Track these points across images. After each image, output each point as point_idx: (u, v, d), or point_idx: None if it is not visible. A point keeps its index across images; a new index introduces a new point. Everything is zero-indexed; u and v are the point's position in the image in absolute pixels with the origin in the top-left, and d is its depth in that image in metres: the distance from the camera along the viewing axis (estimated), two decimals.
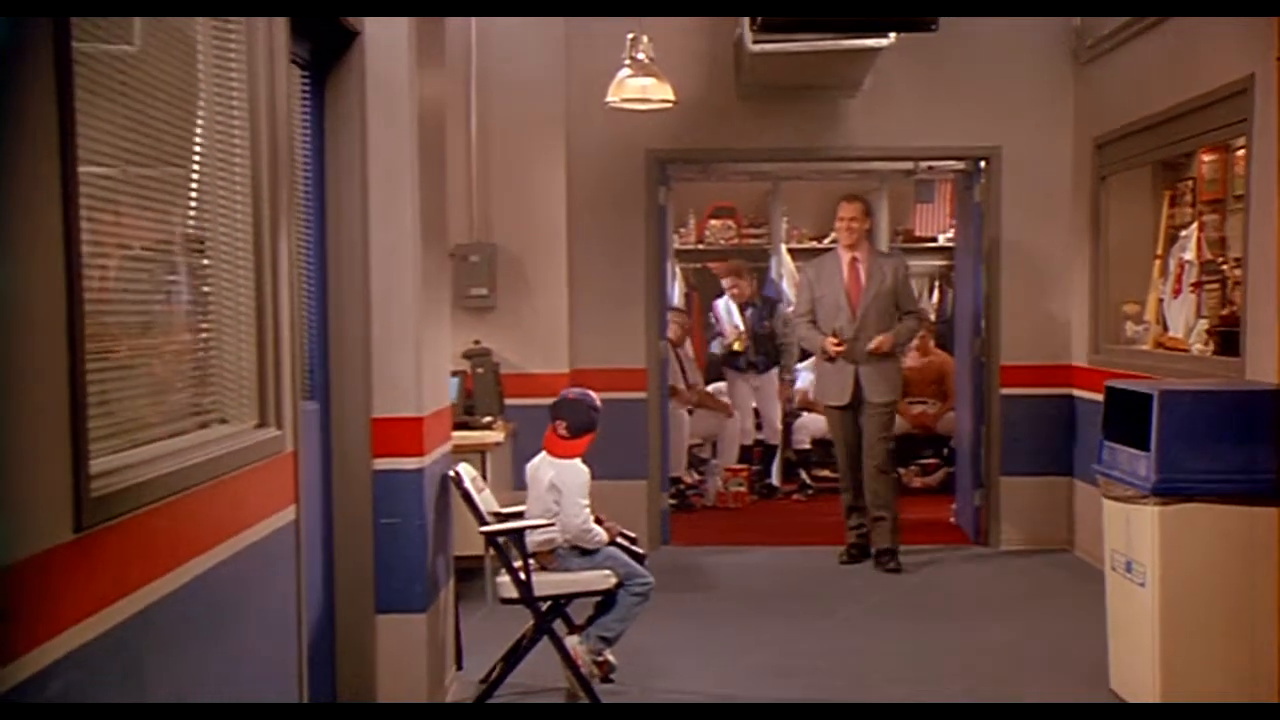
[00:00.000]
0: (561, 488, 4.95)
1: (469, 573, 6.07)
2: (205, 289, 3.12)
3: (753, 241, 10.98)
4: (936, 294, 10.97)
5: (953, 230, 9.58)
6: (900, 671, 5.37)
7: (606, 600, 4.98)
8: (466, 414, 6.65)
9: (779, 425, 9.51)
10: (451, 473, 4.95)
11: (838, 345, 7.04)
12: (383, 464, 4.43)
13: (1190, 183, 6.89)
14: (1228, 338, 5.72)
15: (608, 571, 4.92)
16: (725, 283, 9.58)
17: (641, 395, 7.66)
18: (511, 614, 5.11)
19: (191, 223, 3.05)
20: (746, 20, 6.17)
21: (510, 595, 4.86)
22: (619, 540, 5.06)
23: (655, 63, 6.38)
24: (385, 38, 4.40)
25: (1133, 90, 6.57)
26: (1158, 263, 6.90)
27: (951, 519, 8.37)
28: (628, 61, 6.36)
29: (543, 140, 7.34)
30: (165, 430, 2.78)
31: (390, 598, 4.44)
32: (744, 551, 7.71)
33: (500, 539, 4.87)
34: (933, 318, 10.43)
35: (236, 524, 2.99)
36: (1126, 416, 4.83)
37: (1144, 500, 4.60)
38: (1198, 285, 6.49)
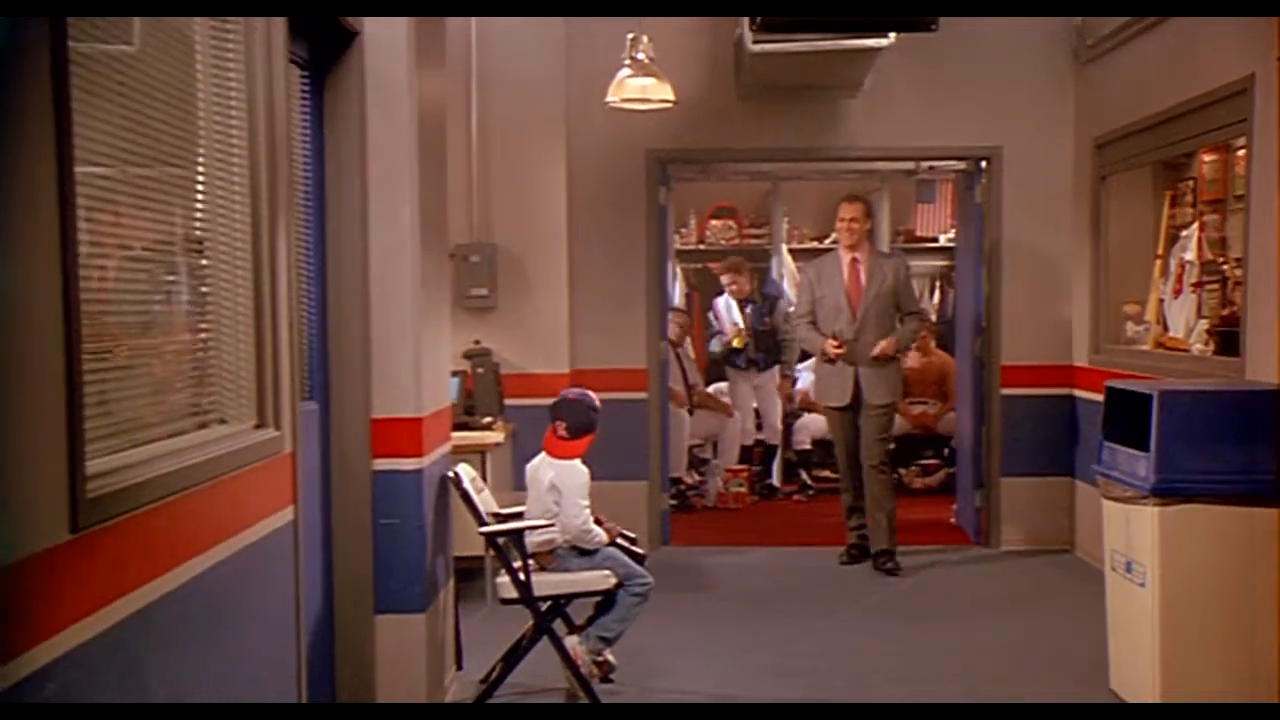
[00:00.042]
0: (561, 488, 4.95)
1: (469, 573, 6.07)
2: (204, 289, 3.12)
3: (754, 242, 10.98)
4: (937, 294, 10.97)
5: (954, 230, 9.57)
6: (900, 671, 5.37)
7: (606, 600, 4.98)
8: (467, 414, 6.65)
9: (779, 425, 9.51)
10: (451, 473, 4.95)
11: (837, 348, 7.03)
12: (382, 464, 4.43)
13: (1191, 183, 6.88)
14: (1228, 338, 5.72)
15: (607, 572, 4.92)
16: (724, 279, 9.58)
17: (642, 396, 7.66)
18: (511, 614, 5.11)
19: (190, 223, 3.06)
20: (746, 20, 6.17)
21: (510, 595, 4.86)
22: (619, 541, 5.06)
23: (655, 63, 6.38)
24: (384, 38, 4.40)
25: (1133, 90, 6.57)
26: (1158, 263, 6.89)
27: (952, 519, 8.36)
28: (628, 61, 6.36)
29: (543, 140, 7.34)
30: (164, 430, 2.78)
31: (389, 598, 4.44)
32: (744, 552, 7.71)
33: (500, 539, 4.87)
34: (933, 318, 10.43)
35: (235, 524, 2.99)
36: (1126, 417, 4.83)
37: (1144, 500, 4.60)
38: (1198, 285, 6.48)
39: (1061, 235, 7.56)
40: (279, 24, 3.38)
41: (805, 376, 9.37)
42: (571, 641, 4.90)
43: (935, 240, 10.91)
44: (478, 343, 7.12)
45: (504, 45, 7.18)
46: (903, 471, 9.43)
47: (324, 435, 4.36)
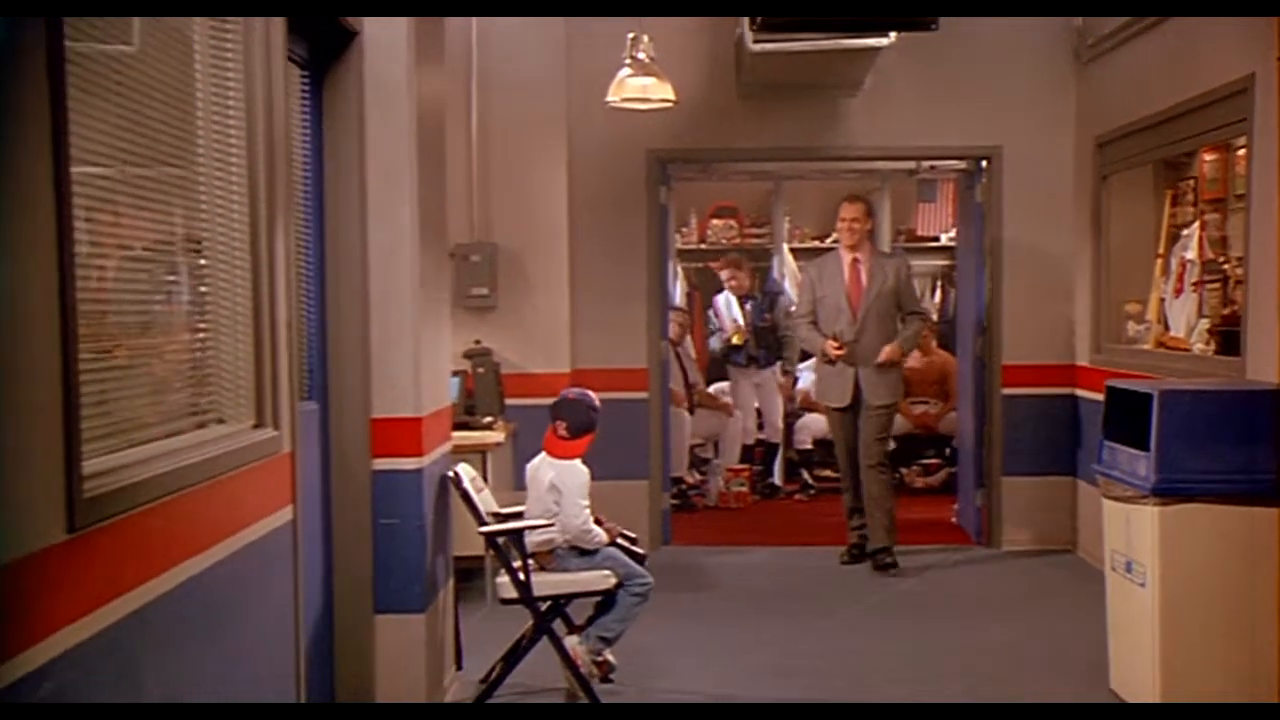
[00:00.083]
0: (561, 488, 4.94)
1: (469, 573, 6.07)
2: (202, 289, 3.12)
3: (755, 241, 10.97)
4: (939, 294, 10.96)
5: (955, 230, 9.57)
6: (900, 671, 5.36)
7: (606, 600, 4.98)
8: (467, 414, 6.65)
9: (780, 424, 9.50)
10: (451, 473, 4.94)
11: (838, 349, 7.02)
12: (382, 464, 4.43)
13: (1192, 182, 6.87)
14: (1229, 337, 5.71)
15: (607, 572, 4.91)
16: (723, 275, 9.58)
17: (643, 395, 7.66)
18: (511, 614, 5.11)
19: (188, 223, 3.06)
20: (747, 20, 6.17)
21: (509, 595, 4.86)
22: (619, 541, 5.06)
23: (655, 62, 6.38)
24: (384, 37, 4.40)
25: (1134, 89, 6.56)
26: (1159, 262, 6.88)
27: (953, 519, 8.36)
28: (628, 61, 6.36)
29: (543, 140, 7.34)
30: (162, 430, 2.78)
31: (389, 598, 4.44)
32: (745, 551, 7.70)
33: (499, 539, 4.87)
34: (935, 317, 10.42)
35: (233, 524, 2.99)
36: (1127, 416, 4.82)
37: (1144, 500, 4.59)
38: (1199, 284, 6.47)
39: (1062, 235, 7.56)
40: (278, 23, 3.38)
41: (806, 376, 9.37)
42: (571, 641, 4.89)
43: (936, 240, 10.90)
44: (478, 342, 7.12)
45: (504, 45, 7.19)
46: (904, 471, 9.44)
47: (324, 435, 4.36)
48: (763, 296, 9.44)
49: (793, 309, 8.63)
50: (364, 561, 4.40)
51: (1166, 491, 4.53)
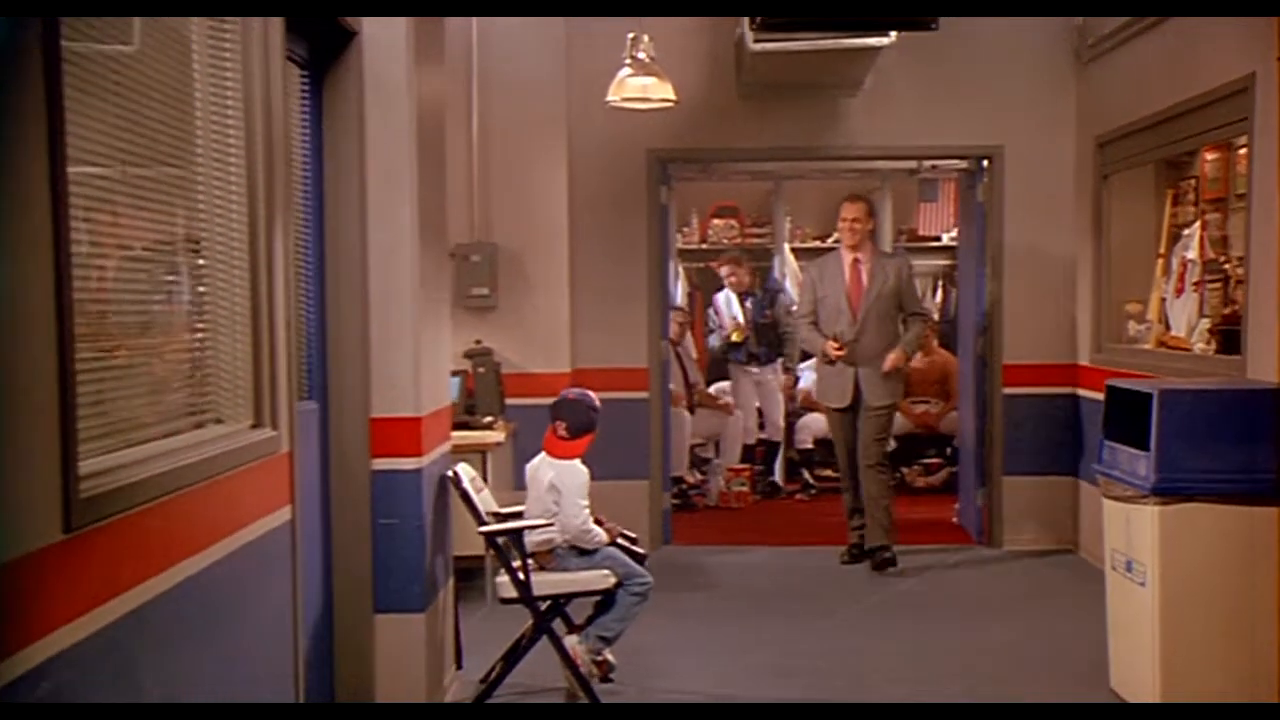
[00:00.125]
0: (561, 488, 4.94)
1: (469, 573, 6.07)
2: (201, 289, 3.12)
3: (756, 241, 10.97)
4: (940, 293, 10.95)
5: (956, 230, 9.56)
6: (900, 671, 5.36)
7: (606, 600, 4.98)
8: (468, 414, 6.66)
9: (782, 422, 9.50)
10: (450, 473, 4.94)
11: (838, 350, 7.01)
12: (381, 464, 4.43)
13: (1193, 181, 6.87)
14: (1230, 337, 5.71)
15: (606, 571, 4.91)
16: (723, 271, 9.58)
17: (643, 395, 7.66)
18: (511, 614, 5.11)
19: (187, 223, 3.06)
20: (747, 19, 6.16)
21: (509, 595, 4.86)
22: (619, 540, 5.06)
23: (656, 62, 6.38)
24: (383, 37, 4.40)
25: (1134, 89, 6.56)
26: (1160, 261, 6.88)
27: (954, 519, 8.35)
28: (628, 61, 6.36)
29: (544, 140, 7.34)
30: (160, 430, 2.78)
31: (389, 598, 4.44)
32: (745, 551, 7.70)
33: (499, 539, 4.87)
34: (936, 317, 10.41)
35: (231, 524, 2.99)
36: (1127, 416, 4.82)
37: (1144, 500, 4.59)
38: (1200, 284, 6.46)
39: (1063, 234, 7.55)
40: (276, 23, 3.38)
41: (807, 376, 9.37)
42: (571, 641, 4.89)
43: (938, 239, 10.90)
44: (479, 342, 7.12)
45: (504, 45, 7.19)
46: (905, 471, 9.44)
47: (323, 435, 4.36)
48: (763, 293, 9.43)
49: (793, 308, 8.64)
50: (363, 561, 4.40)
51: (1166, 491, 4.53)
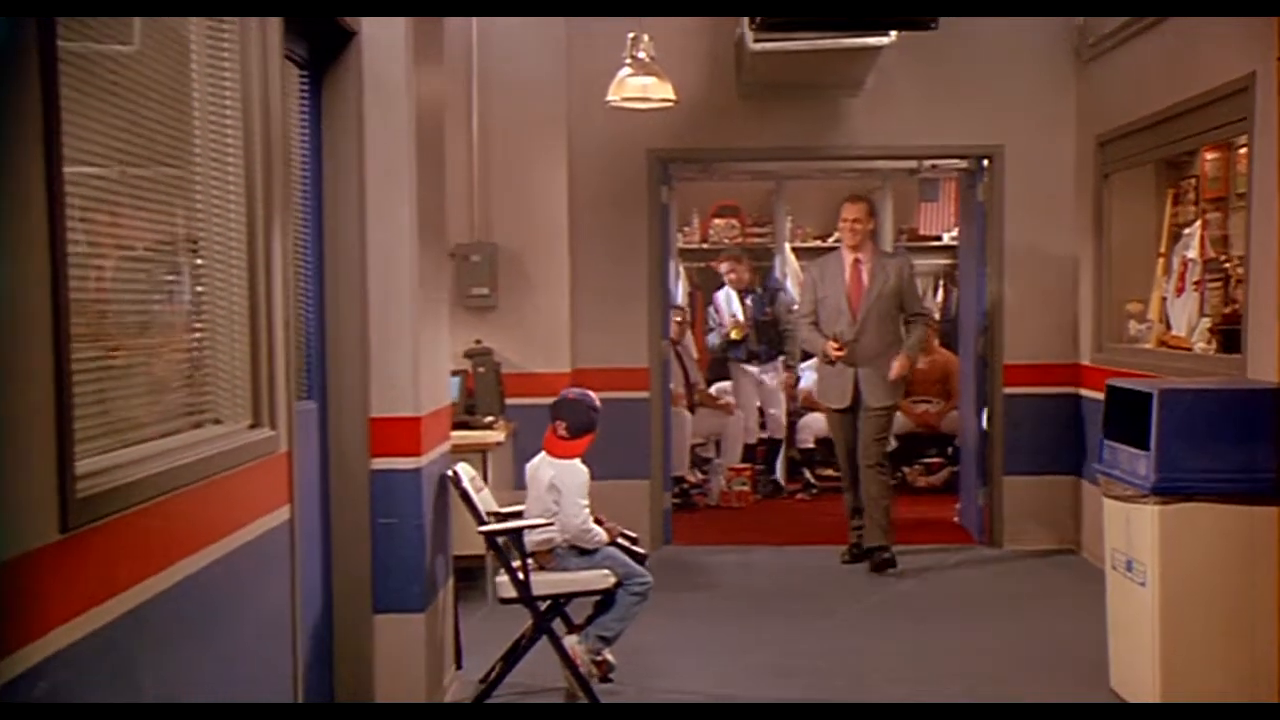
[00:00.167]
0: (561, 488, 4.94)
1: (470, 572, 6.07)
2: (199, 289, 3.12)
3: (757, 240, 10.97)
4: (941, 293, 10.95)
5: (957, 229, 9.55)
6: (900, 671, 5.36)
7: (605, 600, 4.98)
8: (468, 413, 6.65)
9: (784, 419, 9.49)
10: (450, 472, 4.94)
11: (838, 350, 7.00)
12: (380, 464, 4.43)
13: (1193, 181, 6.85)
14: (1230, 336, 5.70)
15: (606, 571, 4.91)
16: (723, 268, 9.57)
17: (644, 395, 7.65)
18: (512, 613, 5.10)
19: (185, 222, 3.06)
20: (747, 19, 6.16)
21: (509, 595, 4.85)
22: (619, 540, 5.06)
23: (656, 62, 6.37)
24: (383, 37, 4.40)
25: (1135, 88, 6.55)
26: (1161, 261, 6.88)
27: (955, 519, 8.34)
28: (628, 60, 6.36)
29: (544, 140, 7.34)
30: (158, 430, 2.78)
31: (388, 598, 4.44)
32: (746, 551, 7.70)
33: (499, 539, 4.87)
34: (937, 316, 10.41)
35: (229, 524, 2.99)
36: (1127, 415, 4.81)
37: (1144, 499, 4.58)
38: (1201, 283, 6.46)
39: (1064, 234, 7.55)
40: (274, 23, 3.38)
41: (808, 375, 9.36)
42: (570, 641, 4.89)
43: (939, 239, 10.89)
44: (479, 342, 7.12)
45: (505, 45, 7.19)
46: (906, 470, 9.43)
47: (322, 435, 4.36)
48: (763, 291, 9.43)
49: (794, 307, 8.64)
50: (363, 561, 4.40)
51: (1166, 490, 4.52)
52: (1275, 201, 4.83)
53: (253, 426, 3.22)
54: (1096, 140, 7.13)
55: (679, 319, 8.98)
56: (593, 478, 5.07)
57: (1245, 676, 4.49)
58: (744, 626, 6.07)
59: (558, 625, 4.97)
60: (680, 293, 9.99)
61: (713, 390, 9.59)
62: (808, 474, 9.43)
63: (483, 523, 4.90)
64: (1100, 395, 5.60)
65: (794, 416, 9.61)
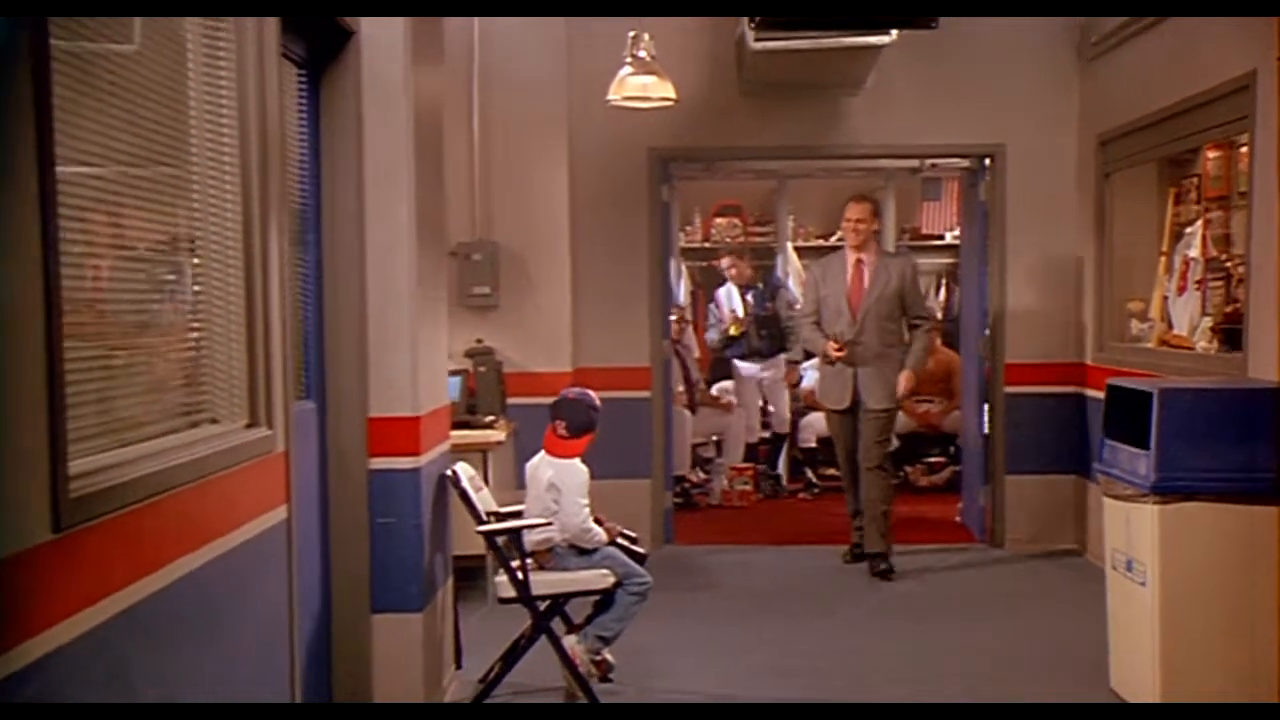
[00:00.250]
0: (561, 487, 4.94)
1: (470, 572, 6.06)
2: (196, 288, 3.12)
3: (759, 239, 10.97)
4: (943, 292, 10.94)
5: (959, 228, 9.54)
6: (901, 671, 5.35)
7: (605, 600, 4.97)
8: (469, 413, 6.65)
9: (787, 414, 9.48)
10: (449, 472, 4.94)
11: (838, 350, 6.96)
12: (379, 463, 4.43)
13: (1195, 179, 6.84)
14: (1232, 335, 5.69)
15: (605, 571, 4.91)
16: (724, 263, 9.57)
17: (645, 394, 7.65)
18: (512, 613, 5.10)
19: (181, 222, 3.06)
20: (747, 18, 6.15)
21: (508, 594, 4.85)
22: (619, 540, 5.06)
23: (656, 60, 6.37)
24: (381, 37, 4.40)
25: (1136, 87, 6.54)
26: (1163, 260, 6.86)
27: (958, 518, 8.34)
28: (629, 59, 6.35)
29: (545, 139, 7.34)
30: (154, 430, 2.78)
31: (386, 597, 4.44)
32: (747, 551, 7.69)
33: (498, 538, 4.86)
34: (939, 316, 10.40)
35: (225, 524, 2.98)
36: (1127, 415, 4.80)
37: (1144, 499, 4.58)
38: (1202, 282, 6.44)
39: (1066, 233, 7.54)
40: (271, 22, 3.38)
41: (810, 375, 9.36)
42: (570, 641, 4.89)
43: (941, 238, 10.88)
44: (480, 341, 7.12)
45: (505, 45, 7.19)
46: (908, 469, 9.42)
47: (321, 434, 4.36)
48: (764, 287, 9.42)
49: (797, 305, 8.64)
50: (361, 561, 4.40)
51: (1166, 490, 4.51)
52: (1275, 200, 4.82)
53: (249, 426, 3.22)
54: (1098, 139, 7.12)
55: (677, 317, 8.97)
56: (593, 477, 5.07)
57: (1245, 676, 4.48)
58: (744, 626, 6.06)
59: (557, 625, 4.96)
60: (682, 292, 9.99)
61: (714, 390, 9.58)
62: (809, 474, 9.42)
63: (482, 522, 4.89)
64: (1102, 395, 5.59)
65: (796, 416, 9.60)
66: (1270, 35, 4.78)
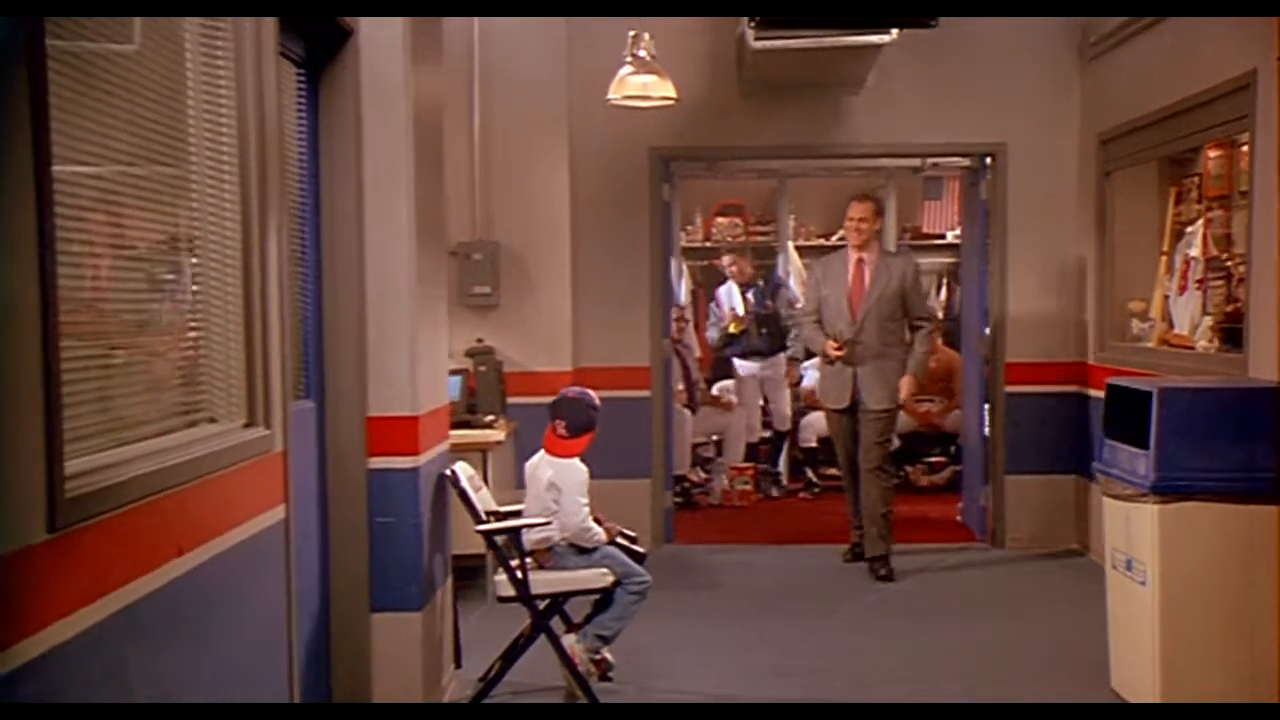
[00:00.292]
0: (561, 486, 4.94)
1: (470, 571, 6.06)
2: (194, 288, 3.12)
3: (760, 239, 10.97)
4: (944, 291, 10.93)
5: (960, 227, 9.54)
6: (900, 671, 5.35)
7: (604, 599, 4.97)
8: (469, 412, 6.65)
9: (788, 411, 9.47)
10: (448, 471, 4.94)
11: (837, 349, 6.95)
12: (378, 463, 4.43)
13: (1196, 178, 6.83)
14: (1233, 334, 5.68)
15: (605, 570, 4.91)
16: (725, 261, 9.57)
17: (645, 393, 7.65)
18: (512, 612, 5.10)
19: (180, 221, 3.06)
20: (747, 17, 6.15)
21: (507, 594, 4.85)
22: (619, 540, 5.05)
23: (657, 60, 6.37)
24: (380, 36, 4.40)
25: (1137, 86, 6.54)
26: (1163, 259, 6.86)
27: (958, 517, 8.33)
28: (629, 59, 6.35)
29: (545, 139, 7.34)
30: (151, 429, 2.78)
31: (385, 596, 4.44)
32: (747, 550, 7.69)
33: (497, 538, 4.86)
34: (940, 315, 10.39)
35: (223, 523, 2.98)
36: (1127, 414, 4.80)
37: (1143, 498, 4.57)
38: (1203, 282, 6.44)
39: (1067, 232, 7.53)
40: (269, 22, 3.38)
41: (810, 374, 9.35)
42: (569, 640, 4.89)
43: (942, 237, 10.87)
44: (480, 341, 7.12)
45: (506, 45, 7.19)
46: (909, 469, 9.42)
47: (320, 434, 4.36)
48: (765, 285, 9.41)
49: (798, 304, 8.63)
50: (360, 560, 4.40)
51: (1166, 489, 4.51)
52: (1276, 199, 4.81)
53: (247, 426, 3.22)
54: (1099, 138, 7.11)
55: (676, 316, 8.97)
56: (594, 476, 5.07)
57: (1245, 676, 4.47)
58: (744, 626, 6.06)
59: (556, 624, 4.96)
60: (683, 291, 9.99)
61: (715, 389, 9.58)
62: (810, 473, 9.42)
63: (481, 522, 4.89)
64: (1103, 394, 5.59)
65: (797, 415, 9.60)
66: (1270, 35, 4.78)
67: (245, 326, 3.21)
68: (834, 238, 10.37)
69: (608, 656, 5.03)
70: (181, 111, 3.04)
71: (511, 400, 7.02)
